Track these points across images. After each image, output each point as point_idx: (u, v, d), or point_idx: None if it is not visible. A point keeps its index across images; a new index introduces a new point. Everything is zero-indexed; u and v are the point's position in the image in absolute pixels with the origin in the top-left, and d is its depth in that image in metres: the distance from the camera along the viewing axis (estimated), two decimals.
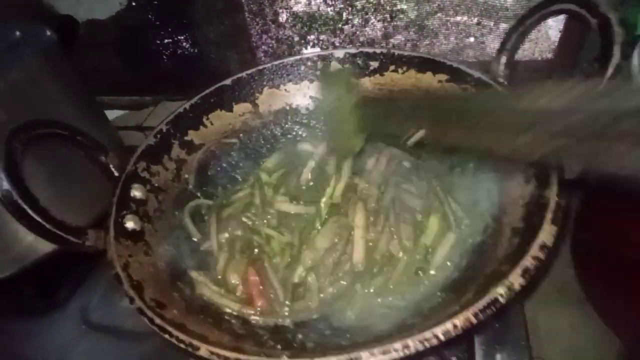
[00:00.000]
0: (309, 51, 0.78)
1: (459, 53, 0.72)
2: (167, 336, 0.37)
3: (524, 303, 0.54)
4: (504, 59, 0.55)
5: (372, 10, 0.70)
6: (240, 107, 0.67)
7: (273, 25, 0.75)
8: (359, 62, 0.65)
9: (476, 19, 0.67)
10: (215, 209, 0.61)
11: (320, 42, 0.76)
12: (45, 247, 0.59)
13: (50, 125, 0.49)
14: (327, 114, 0.54)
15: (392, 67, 0.63)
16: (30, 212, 0.41)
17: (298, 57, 0.67)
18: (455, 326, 0.33)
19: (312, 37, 0.75)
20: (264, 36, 0.77)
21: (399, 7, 0.69)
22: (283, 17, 0.74)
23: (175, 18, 0.79)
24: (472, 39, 0.70)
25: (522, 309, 0.54)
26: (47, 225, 0.42)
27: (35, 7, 0.80)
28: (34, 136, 0.46)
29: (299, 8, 0.73)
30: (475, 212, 0.52)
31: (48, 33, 0.63)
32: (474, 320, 0.33)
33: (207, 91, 0.64)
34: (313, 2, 0.72)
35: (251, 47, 0.79)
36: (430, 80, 0.61)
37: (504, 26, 0.67)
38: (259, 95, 0.67)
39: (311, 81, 0.68)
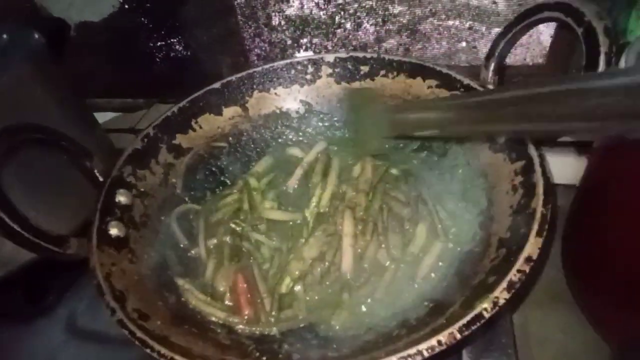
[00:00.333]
0: (302, 55, 0.77)
1: (451, 57, 0.72)
2: (148, 350, 0.37)
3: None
4: (492, 66, 0.55)
5: (365, 14, 0.70)
6: (230, 111, 0.66)
7: (266, 29, 0.75)
8: (350, 66, 0.65)
9: (468, 23, 0.67)
10: (203, 214, 0.60)
11: (313, 45, 0.75)
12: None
13: (34, 130, 0.48)
14: (351, 121, 0.61)
15: (382, 72, 0.63)
16: (7, 220, 0.40)
17: (288, 60, 0.66)
18: (439, 342, 0.33)
19: (305, 40, 0.75)
20: (257, 39, 0.76)
21: (391, 11, 0.68)
22: (276, 21, 0.73)
23: (168, 21, 0.79)
24: (464, 44, 0.69)
25: (510, 318, 0.53)
26: (26, 234, 0.41)
27: (27, 9, 0.79)
28: (16, 142, 0.45)
29: (291, 12, 0.72)
30: (463, 220, 0.51)
31: (36, 36, 0.62)
32: (458, 336, 0.33)
33: (196, 95, 0.64)
34: (306, 6, 0.71)
35: (244, 51, 0.78)
36: (420, 85, 0.60)
37: (496, 31, 0.66)
38: (249, 99, 0.66)
39: (301, 85, 0.67)
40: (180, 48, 0.81)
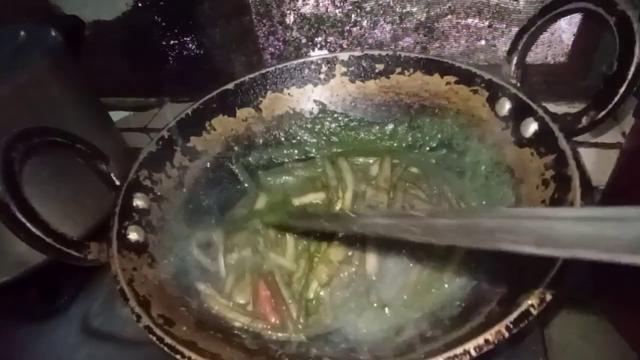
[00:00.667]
0: (316, 53, 0.76)
1: (470, 56, 0.70)
2: (178, 356, 0.35)
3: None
4: (515, 60, 0.53)
5: (381, 12, 0.68)
6: (244, 112, 0.65)
7: (280, 27, 0.73)
8: (364, 64, 0.63)
9: (488, 21, 0.65)
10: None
11: (328, 44, 0.74)
12: None
13: (50, 133, 0.47)
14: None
15: (398, 70, 0.62)
16: (29, 225, 0.38)
17: (301, 60, 0.65)
18: (487, 341, 0.31)
19: (320, 39, 0.73)
20: (271, 38, 0.75)
21: (408, 9, 0.67)
22: (290, 19, 0.72)
23: (182, 19, 0.78)
24: (483, 42, 0.68)
25: (541, 325, 0.52)
26: (47, 239, 0.40)
27: (42, 7, 0.79)
28: (33, 145, 0.43)
29: (306, 10, 0.71)
30: None
31: (53, 34, 0.61)
32: (506, 334, 0.31)
33: (209, 96, 0.62)
34: (321, 4, 0.70)
35: (258, 49, 0.77)
36: (437, 82, 0.59)
37: (516, 29, 0.63)
38: (262, 100, 0.65)
39: (315, 84, 0.66)
40: (194, 47, 0.80)
